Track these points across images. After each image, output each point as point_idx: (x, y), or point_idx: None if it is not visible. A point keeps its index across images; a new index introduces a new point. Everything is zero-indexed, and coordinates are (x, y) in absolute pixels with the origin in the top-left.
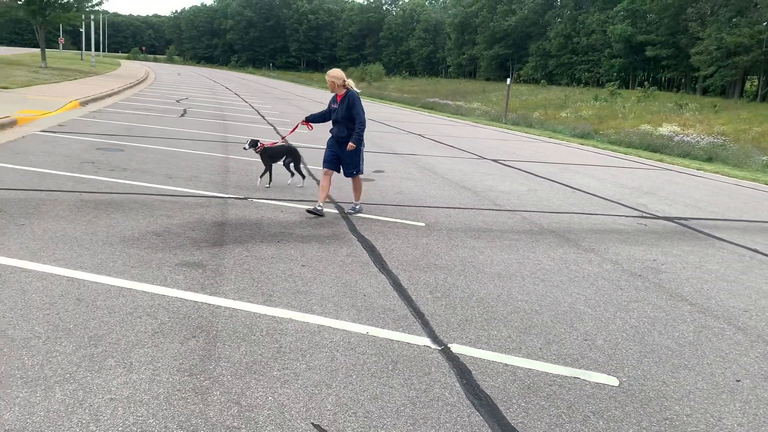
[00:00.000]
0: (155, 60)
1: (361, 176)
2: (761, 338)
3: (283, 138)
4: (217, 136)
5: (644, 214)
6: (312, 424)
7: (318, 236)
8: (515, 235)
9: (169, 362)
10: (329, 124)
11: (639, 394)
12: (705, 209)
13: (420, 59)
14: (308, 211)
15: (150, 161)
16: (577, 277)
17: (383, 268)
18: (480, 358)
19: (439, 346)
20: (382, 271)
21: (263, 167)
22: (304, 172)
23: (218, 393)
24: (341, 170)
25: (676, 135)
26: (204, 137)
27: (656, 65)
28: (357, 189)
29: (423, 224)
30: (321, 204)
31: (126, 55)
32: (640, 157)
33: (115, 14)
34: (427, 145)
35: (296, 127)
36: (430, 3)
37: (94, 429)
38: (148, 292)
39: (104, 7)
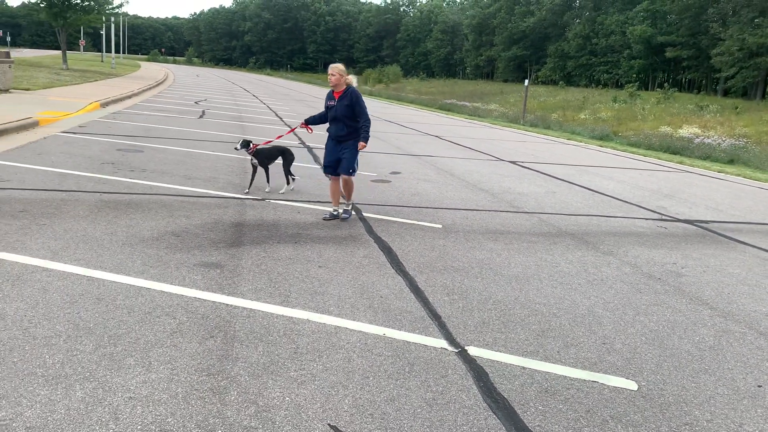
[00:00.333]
0: (174, 62)
1: (354, 178)
2: None
3: (278, 137)
4: (236, 137)
5: (664, 217)
6: (329, 425)
7: (335, 237)
8: (533, 238)
9: (188, 362)
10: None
11: (658, 399)
12: (726, 212)
13: (437, 61)
14: (324, 219)
15: (169, 162)
16: (596, 280)
17: (400, 269)
18: (497, 361)
19: (456, 348)
20: (398, 273)
21: (263, 169)
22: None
23: (236, 393)
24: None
25: (697, 137)
26: (222, 138)
27: (676, 66)
28: (348, 190)
29: (440, 226)
30: (336, 208)
31: (145, 56)
32: (659, 159)
33: (135, 16)
34: (444, 147)
35: (293, 129)
36: (448, 4)
37: (114, 427)
38: (166, 292)
39: (124, 9)
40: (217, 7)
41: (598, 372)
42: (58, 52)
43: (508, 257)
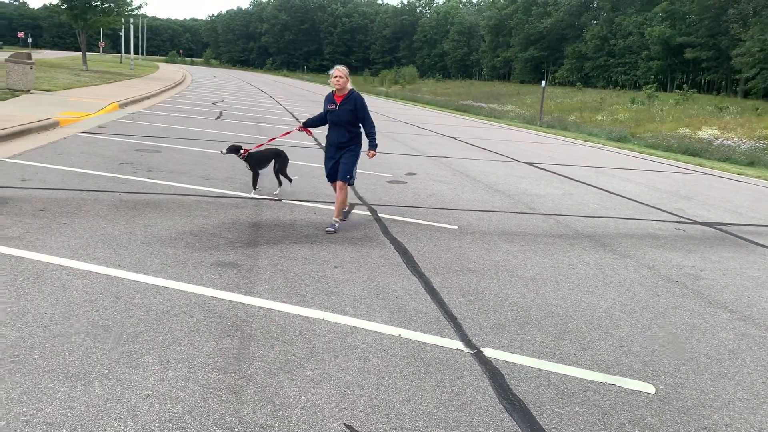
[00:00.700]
0: (192, 63)
1: (349, 188)
2: None
3: (269, 139)
4: (252, 138)
5: (682, 219)
6: (344, 424)
7: (350, 238)
8: (549, 239)
9: (205, 360)
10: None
11: (676, 403)
12: (746, 215)
13: (454, 62)
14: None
15: (187, 162)
16: (613, 283)
17: (415, 270)
18: (513, 363)
19: (472, 349)
20: (414, 274)
21: (262, 171)
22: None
23: (252, 391)
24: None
25: (716, 139)
26: (239, 139)
27: (695, 67)
28: (342, 201)
29: (456, 227)
30: (345, 212)
31: (164, 58)
32: (678, 161)
33: (154, 18)
34: (460, 148)
35: (288, 132)
36: (465, 5)
37: (132, 424)
38: (184, 291)
39: (143, 11)
40: (235, 8)
41: (615, 375)
42: (78, 54)
43: (525, 259)
